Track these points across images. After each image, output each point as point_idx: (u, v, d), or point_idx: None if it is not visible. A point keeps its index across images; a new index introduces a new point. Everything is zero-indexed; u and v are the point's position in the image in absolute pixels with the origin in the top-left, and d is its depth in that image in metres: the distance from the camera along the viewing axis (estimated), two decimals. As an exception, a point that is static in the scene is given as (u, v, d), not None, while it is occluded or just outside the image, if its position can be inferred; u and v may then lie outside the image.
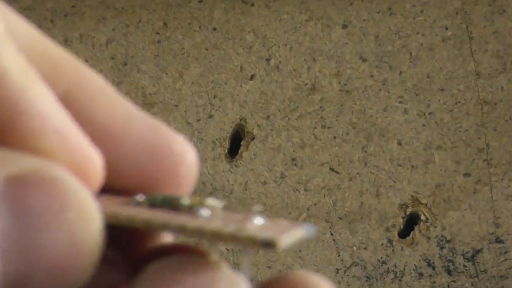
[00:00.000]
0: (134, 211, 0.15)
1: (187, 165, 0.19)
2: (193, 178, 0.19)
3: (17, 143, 0.16)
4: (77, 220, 0.15)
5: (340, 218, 0.94)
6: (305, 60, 0.96)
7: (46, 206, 0.15)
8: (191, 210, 0.15)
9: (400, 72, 0.95)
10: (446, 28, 0.95)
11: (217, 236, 0.13)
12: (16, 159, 0.15)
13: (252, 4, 0.96)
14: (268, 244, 0.13)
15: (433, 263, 0.93)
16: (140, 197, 0.16)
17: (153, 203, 0.15)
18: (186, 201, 0.15)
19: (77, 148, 0.17)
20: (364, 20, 0.96)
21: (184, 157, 0.19)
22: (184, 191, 0.19)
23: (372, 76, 0.95)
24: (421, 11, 0.96)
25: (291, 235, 0.13)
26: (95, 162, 0.18)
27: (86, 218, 0.15)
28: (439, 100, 0.95)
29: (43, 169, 0.15)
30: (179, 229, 0.14)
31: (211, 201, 0.15)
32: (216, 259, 0.14)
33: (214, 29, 0.96)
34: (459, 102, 0.95)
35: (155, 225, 0.14)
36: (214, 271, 0.13)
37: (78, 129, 0.17)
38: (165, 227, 0.14)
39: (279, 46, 0.96)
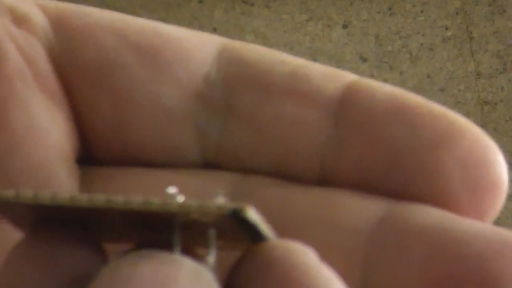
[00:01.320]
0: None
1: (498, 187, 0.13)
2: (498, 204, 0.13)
3: None
4: None
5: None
6: (305, 60, 0.96)
7: None
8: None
9: (400, 72, 0.95)
10: (446, 28, 0.95)
11: (183, 210, 0.13)
12: None
13: (252, 4, 0.96)
14: (236, 212, 0.12)
15: (433, 263, 0.93)
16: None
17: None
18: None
19: None
20: (364, 20, 0.96)
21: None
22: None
23: (372, 76, 0.95)
24: (421, 11, 0.96)
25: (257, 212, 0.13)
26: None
27: None
28: (439, 100, 0.95)
29: None
30: (142, 208, 0.13)
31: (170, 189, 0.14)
32: (179, 250, 0.13)
33: (214, 29, 0.96)
34: (459, 102, 0.95)
35: (116, 206, 0.13)
36: (175, 263, 0.13)
37: None
38: (127, 205, 0.13)
39: (279, 46, 0.96)
